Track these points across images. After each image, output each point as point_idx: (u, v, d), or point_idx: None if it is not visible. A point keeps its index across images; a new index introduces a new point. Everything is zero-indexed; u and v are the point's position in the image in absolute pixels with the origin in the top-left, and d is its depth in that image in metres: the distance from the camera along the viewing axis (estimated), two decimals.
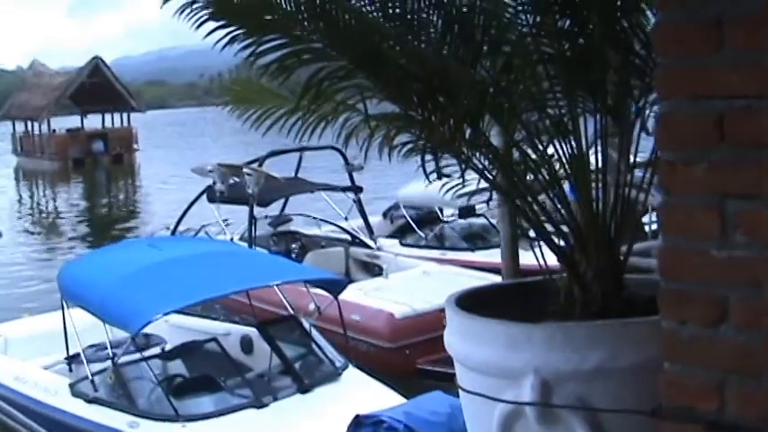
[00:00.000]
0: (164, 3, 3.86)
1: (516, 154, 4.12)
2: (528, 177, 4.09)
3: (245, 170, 16.44)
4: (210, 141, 79.40)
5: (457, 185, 4.35)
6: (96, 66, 62.93)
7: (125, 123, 66.08)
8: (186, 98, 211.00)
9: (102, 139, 63.22)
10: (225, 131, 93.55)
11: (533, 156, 4.07)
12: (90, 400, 10.08)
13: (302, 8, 3.62)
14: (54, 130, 64.58)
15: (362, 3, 3.88)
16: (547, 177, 4.06)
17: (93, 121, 68.83)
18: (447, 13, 3.96)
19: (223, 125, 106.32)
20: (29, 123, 66.67)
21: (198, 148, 68.65)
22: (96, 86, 62.20)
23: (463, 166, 4.11)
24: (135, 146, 64.17)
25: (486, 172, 4.08)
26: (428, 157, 4.26)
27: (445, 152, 4.10)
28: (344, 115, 4.02)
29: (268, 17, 3.66)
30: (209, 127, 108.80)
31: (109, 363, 10.07)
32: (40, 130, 64.65)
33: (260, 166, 17.05)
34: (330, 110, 4.00)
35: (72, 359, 11.18)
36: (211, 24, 3.84)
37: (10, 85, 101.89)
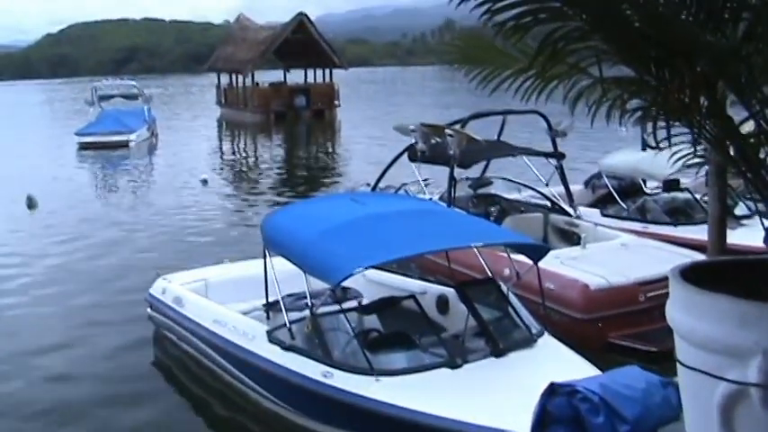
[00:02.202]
0: None
1: (751, 126, 3.96)
2: (763, 150, 3.93)
3: (447, 131, 16.40)
4: (410, 100, 79.82)
5: (687, 155, 4.20)
6: (301, 22, 63.92)
7: (327, 79, 66.97)
8: (387, 57, 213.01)
9: (304, 94, 64.33)
10: (425, 91, 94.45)
11: None
12: (286, 348, 10.27)
13: None
14: (257, 84, 65.85)
15: None
16: None
17: (294, 76, 70.04)
18: None
19: (424, 85, 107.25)
20: (233, 76, 68.22)
21: (398, 107, 69.18)
22: (300, 42, 63.29)
23: (696, 135, 3.97)
24: (336, 102, 65.00)
25: (719, 143, 3.94)
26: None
27: (677, 120, 3.97)
28: (575, 78, 3.94)
29: None
30: (409, 86, 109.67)
31: (307, 312, 10.20)
32: (243, 83, 66.08)
33: (462, 127, 17.01)
34: (562, 71, 3.92)
35: (270, 306, 11.39)
36: None
37: (217, 39, 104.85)
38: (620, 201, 17.77)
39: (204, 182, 31.92)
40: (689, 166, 4.30)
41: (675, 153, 4.42)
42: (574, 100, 3.97)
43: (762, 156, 3.90)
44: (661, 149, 4.41)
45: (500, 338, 10.09)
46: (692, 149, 4.18)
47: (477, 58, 4.40)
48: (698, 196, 16.31)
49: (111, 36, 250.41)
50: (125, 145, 45.22)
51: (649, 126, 4.18)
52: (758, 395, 3.23)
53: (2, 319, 15.78)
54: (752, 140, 3.93)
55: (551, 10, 3.61)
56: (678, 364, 3.79)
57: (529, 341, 10.24)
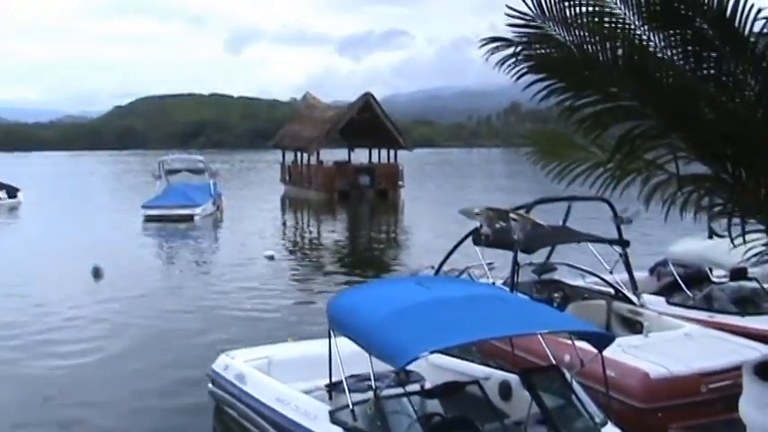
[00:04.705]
0: (487, 53, 3.93)
1: None
2: None
3: (511, 215, 16.40)
4: (475, 183, 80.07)
5: (762, 252, 4.23)
6: (367, 101, 64.29)
7: (391, 159, 67.22)
8: (452, 138, 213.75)
9: (368, 174, 64.46)
10: (490, 174, 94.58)
11: None
12: (348, 429, 10.26)
13: (620, 65, 3.63)
14: (322, 162, 66.20)
15: (678, 62, 3.83)
16: None
17: (359, 155, 70.48)
18: (764, 74, 3.86)
19: (488, 167, 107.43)
20: (298, 153, 68.74)
21: (462, 189, 69.40)
22: (366, 122, 63.63)
23: None
24: (400, 182, 65.06)
25: None
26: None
27: (752, 217, 4.00)
28: (651, 173, 4.00)
29: (587, 73, 3.69)
30: (473, 169, 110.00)
31: (370, 394, 10.20)
32: (308, 161, 66.49)
33: (527, 212, 17.01)
34: (639, 167, 3.99)
35: (333, 387, 11.39)
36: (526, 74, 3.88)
37: (283, 116, 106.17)
38: (685, 289, 17.62)
39: (270, 258, 32.15)
40: (763, 263, 4.32)
41: (740, 239, 4.44)
42: (649, 194, 4.03)
43: None
44: (733, 244, 4.44)
45: (563, 427, 10.04)
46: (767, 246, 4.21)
47: (555, 152, 4.48)
48: (766, 286, 16.18)
49: (178, 110, 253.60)
50: (190, 219, 45.83)
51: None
52: None
53: (63, 391, 15.97)
54: None
55: (630, 108, 3.68)
56: None
57: (592, 430, 10.17)
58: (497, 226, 16.66)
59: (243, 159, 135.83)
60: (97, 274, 27.78)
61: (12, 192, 61.17)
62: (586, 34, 3.72)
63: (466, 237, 17.93)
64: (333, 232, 45.21)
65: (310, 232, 47.78)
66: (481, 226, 16.87)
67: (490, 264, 17.75)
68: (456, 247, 18.22)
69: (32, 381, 16.46)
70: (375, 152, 69.31)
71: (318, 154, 65.81)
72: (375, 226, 49.66)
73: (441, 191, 69.98)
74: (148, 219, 46.15)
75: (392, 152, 67.30)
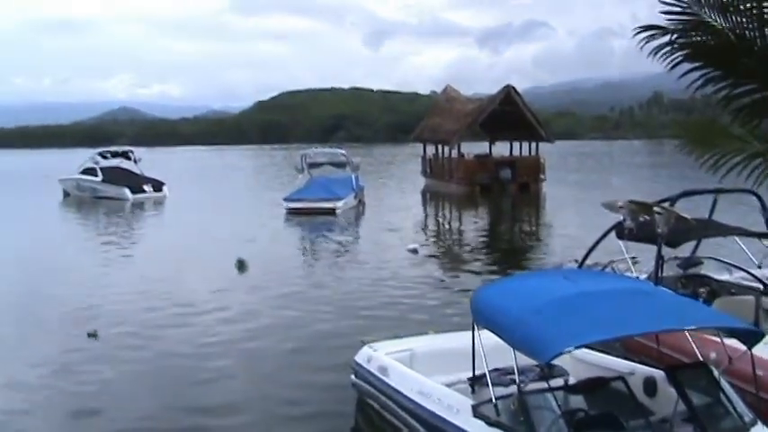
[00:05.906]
0: (641, 41, 3.85)
1: None
2: None
3: (655, 209, 16.15)
4: (616, 175, 79.15)
5: None
6: (508, 94, 63.66)
7: (532, 152, 66.67)
8: (594, 130, 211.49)
9: (509, 167, 63.83)
10: (633, 166, 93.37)
11: None
12: (491, 423, 10.23)
13: None
14: (462, 155, 65.95)
15: None
16: None
17: (499, 148, 70.15)
18: None
19: (630, 160, 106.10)
20: (439, 147, 68.64)
21: (603, 182, 68.63)
22: (507, 114, 63.15)
23: None
24: (542, 175, 64.36)
25: None
26: None
27: None
28: None
29: (745, 60, 3.58)
30: (615, 161, 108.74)
31: (513, 388, 10.15)
32: (449, 154, 66.35)
33: (672, 205, 16.72)
34: None
35: (476, 380, 11.38)
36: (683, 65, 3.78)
37: (422, 109, 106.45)
38: None
39: (414, 251, 32.15)
40: None
41: None
42: None
43: None
44: None
45: (710, 425, 9.86)
46: None
47: (708, 142, 4.36)
48: None
49: (319, 105, 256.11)
50: (332, 212, 46.21)
51: None
52: None
53: (204, 372, 16.58)
54: None
55: None
56: None
57: (741, 429, 9.95)
58: (641, 219, 16.43)
59: (383, 153, 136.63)
60: (241, 266, 28.29)
61: (157, 186, 62.60)
62: (744, 20, 3.61)
63: (609, 230, 17.72)
64: (475, 226, 44.89)
65: (452, 226, 47.64)
66: (624, 219, 16.66)
67: (634, 258, 17.49)
68: (599, 240, 18.00)
69: (177, 370, 16.90)
70: (516, 145, 68.85)
71: (459, 147, 65.41)
72: (517, 219, 49.30)
73: (583, 184, 69.29)
74: (291, 212, 46.73)
75: (533, 145, 66.66)
